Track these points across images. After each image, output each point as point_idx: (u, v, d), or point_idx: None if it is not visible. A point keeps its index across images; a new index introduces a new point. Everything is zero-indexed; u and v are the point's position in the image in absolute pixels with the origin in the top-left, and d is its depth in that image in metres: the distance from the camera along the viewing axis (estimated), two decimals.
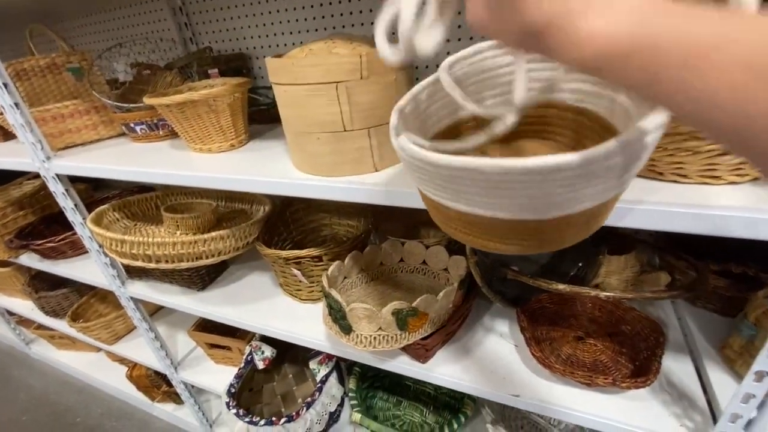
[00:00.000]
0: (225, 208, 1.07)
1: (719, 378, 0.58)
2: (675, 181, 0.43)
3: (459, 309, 0.68)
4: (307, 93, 0.48)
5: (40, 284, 1.46)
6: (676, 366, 0.62)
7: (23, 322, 1.77)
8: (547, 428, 0.90)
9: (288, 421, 0.82)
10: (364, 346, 0.60)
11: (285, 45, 1.02)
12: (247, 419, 0.84)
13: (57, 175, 0.84)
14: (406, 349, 0.69)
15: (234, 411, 0.86)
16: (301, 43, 0.67)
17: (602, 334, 0.68)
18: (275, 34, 1.02)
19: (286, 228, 0.99)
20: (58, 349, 1.73)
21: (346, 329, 0.61)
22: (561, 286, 0.50)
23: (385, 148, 0.53)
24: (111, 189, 1.44)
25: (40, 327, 1.60)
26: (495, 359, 0.67)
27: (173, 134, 0.85)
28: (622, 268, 0.77)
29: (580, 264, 0.79)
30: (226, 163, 0.67)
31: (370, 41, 0.53)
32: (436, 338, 0.65)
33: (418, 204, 0.48)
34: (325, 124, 0.50)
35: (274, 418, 0.83)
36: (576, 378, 0.57)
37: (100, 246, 0.93)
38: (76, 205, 0.88)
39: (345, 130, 0.50)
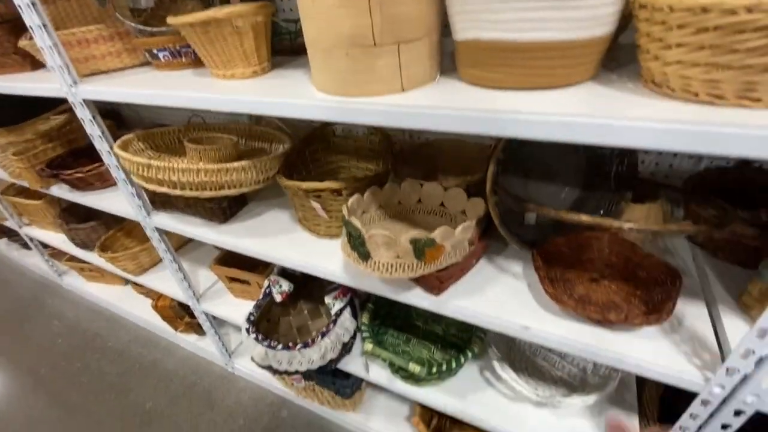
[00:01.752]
0: (245, 146, 1.08)
1: (733, 323, 0.58)
2: (711, 103, 0.40)
3: (474, 247, 0.69)
4: (335, 3, 0.47)
5: (70, 217, 1.52)
6: (689, 311, 0.63)
7: (56, 254, 1.88)
8: (550, 370, 0.93)
9: (304, 347, 0.87)
10: (381, 273, 0.62)
11: None
12: (265, 343, 0.89)
13: (84, 101, 0.85)
14: (419, 281, 0.71)
15: (254, 336, 0.91)
16: None
17: (617, 278, 0.69)
18: None
19: (305, 167, 1.00)
20: (88, 281, 1.84)
21: (365, 256, 0.63)
22: (584, 218, 0.50)
23: (414, 67, 0.52)
24: (135, 128, 1.46)
25: (72, 259, 1.69)
26: (507, 296, 0.68)
27: (196, 63, 0.84)
28: (644, 217, 0.75)
29: (602, 211, 0.78)
30: (249, 88, 0.66)
31: None
32: (451, 271, 0.66)
33: (447, 127, 0.47)
34: (354, 38, 0.48)
35: (290, 344, 0.88)
36: (588, 312, 0.57)
37: (127, 175, 0.96)
38: (102, 133, 0.90)
39: (375, 45, 0.48)
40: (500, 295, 0.68)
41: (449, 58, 0.63)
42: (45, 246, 1.82)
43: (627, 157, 0.73)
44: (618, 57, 0.59)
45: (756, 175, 0.74)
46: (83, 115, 0.87)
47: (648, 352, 0.57)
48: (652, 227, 0.46)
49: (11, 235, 2.09)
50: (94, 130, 0.89)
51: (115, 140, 0.90)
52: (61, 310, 1.86)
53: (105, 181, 1.19)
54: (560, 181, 0.81)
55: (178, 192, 0.80)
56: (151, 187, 0.80)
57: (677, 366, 0.55)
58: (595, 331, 0.60)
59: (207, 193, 0.81)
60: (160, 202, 1.02)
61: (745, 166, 0.76)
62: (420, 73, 0.53)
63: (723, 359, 0.55)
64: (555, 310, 0.64)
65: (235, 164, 0.79)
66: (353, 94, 0.53)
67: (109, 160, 0.94)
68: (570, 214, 0.52)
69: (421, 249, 0.59)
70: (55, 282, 2.00)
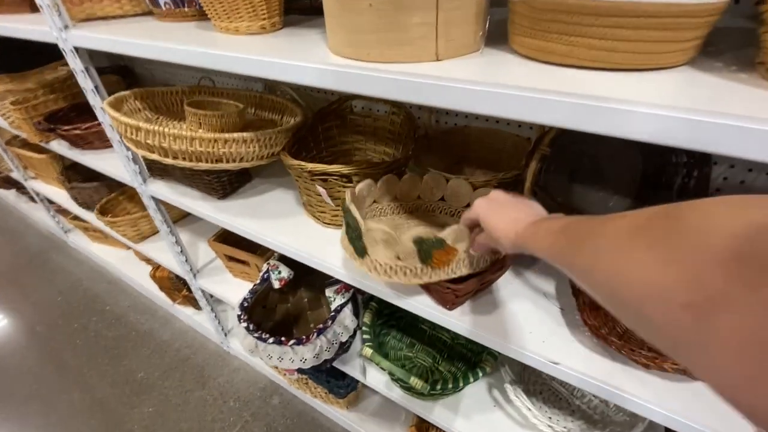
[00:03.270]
0: (254, 116, 0.98)
1: None
2: None
3: (498, 256, 0.58)
4: None
5: (74, 175, 1.47)
6: None
7: (62, 211, 1.85)
8: (569, 398, 0.83)
9: (297, 344, 0.79)
10: (378, 275, 0.52)
11: None
12: (256, 335, 0.81)
13: (76, 49, 0.76)
14: (430, 291, 0.61)
15: (245, 325, 0.83)
16: None
17: None
18: None
19: (317, 145, 0.89)
20: (93, 242, 1.81)
21: (361, 252, 0.53)
22: None
23: (455, 30, 0.40)
24: (145, 84, 1.37)
25: (76, 218, 1.65)
26: (534, 320, 0.58)
27: (201, 14, 0.73)
28: None
29: None
30: (251, 44, 0.55)
31: None
32: (470, 285, 0.56)
33: (491, 109, 0.36)
34: None
35: (283, 338, 0.80)
36: (636, 357, 0.47)
37: (121, 136, 0.87)
38: (96, 87, 0.81)
39: None
40: (526, 318, 0.58)
41: (496, 28, 0.51)
42: (51, 202, 1.79)
43: (699, 167, 0.60)
44: (715, 42, 0.46)
45: None
46: (75, 65, 0.78)
47: (703, 409, 0.46)
48: None
49: (20, 186, 2.07)
50: (86, 83, 0.80)
51: None
52: (65, 267, 1.84)
53: (105, 140, 1.11)
54: (610, 188, 0.68)
55: (170, 161, 0.71)
56: (141, 152, 0.72)
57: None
58: (641, 376, 0.50)
59: (203, 165, 0.72)
60: (157, 169, 0.94)
61: None
62: (461, 38, 0.42)
63: None
64: (591, 344, 0.54)
65: (235, 135, 0.69)
66: (374, 59, 0.42)
67: (103, 117, 0.86)
68: None
69: (427, 251, 0.49)
70: (60, 238, 1.98)
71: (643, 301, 0.20)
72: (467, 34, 0.42)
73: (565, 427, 0.74)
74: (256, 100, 0.98)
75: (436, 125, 0.98)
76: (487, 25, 0.45)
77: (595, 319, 0.51)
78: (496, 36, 0.48)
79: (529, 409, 0.72)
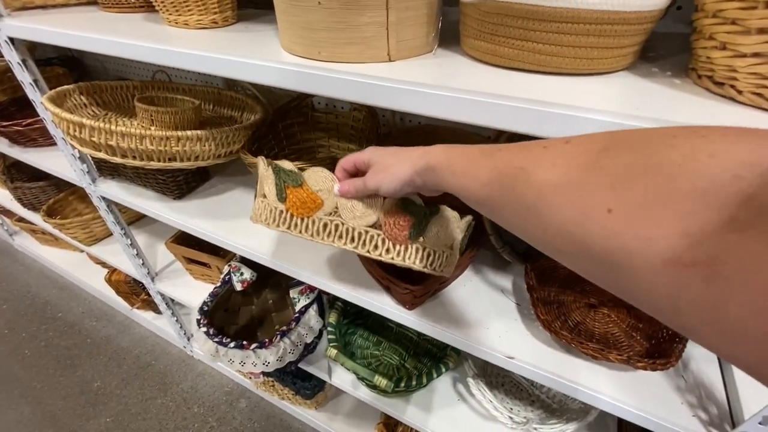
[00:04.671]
0: (212, 113, 0.95)
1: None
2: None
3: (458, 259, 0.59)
4: None
5: (18, 174, 1.37)
6: (695, 351, 0.55)
7: (6, 212, 1.72)
8: (529, 389, 0.86)
9: (259, 347, 0.77)
10: (253, 219, 0.48)
11: None
12: (216, 339, 0.79)
13: (10, 39, 0.71)
14: (391, 291, 0.61)
15: (204, 329, 0.81)
16: None
17: (618, 305, 0.60)
18: None
19: (278, 143, 0.87)
20: (42, 245, 1.69)
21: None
22: None
23: (407, 30, 0.40)
24: (96, 78, 1.29)
25: (22, 219, 1.54)
26: (491, 316, 0.59)
27: (148, 6, 0.70)
28: None
29: None
30: (199, 39, 0.53)
31: None
32: (428, 286, 0.56)
33: (441, 112, 0.36)
34: None
35: (245, 342, 0.78)
36: (585, 349, 0.49)
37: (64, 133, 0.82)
38: (36, 81, 0.76)
39: None
40: (485, 315, 0.59)
41: (452, 28, 0.52)
42: None
43: None
44: (657, 47, 0.49)
45: None
46: (10, 57, 0.73)
47: (648, 399, 0.49)
48: None
49: None
50: (24, 76, 0.75)
51: None
52: (11, 272, 1.72)
53: (49, 137, 1.04)
54: None
55: (118, 159, 0.67)
56: (86, 150, 0.67)
57: (679, 420, 0.47)
58: (589, 367, 0.52)
59: (154, 164, 0.68)
60: (107, 168, 0.88)
61: None
62: (413, 38, 0.42)
63: (732, 416, 0.47)
64: (544, 338, 0.56)
65: (189, 133, 0.66)
66: (324, 58, 0.42)
67: (44, 113, 0.80)
68: None
69: (281, 186, 0.42)
70: (6, 242, 1.84)
71: (629, 257, 0.16)
72: (419, 35, 0.42)
73: (525, 417, 0.76)
74: (215, 97, 0.94)
75: (400, 123, 0.98)
76: (439, 26, 0.45)
77: (547, 314, 0.53)
78: (451, 37, 0.49)
79: (491, 401, 0.74)
